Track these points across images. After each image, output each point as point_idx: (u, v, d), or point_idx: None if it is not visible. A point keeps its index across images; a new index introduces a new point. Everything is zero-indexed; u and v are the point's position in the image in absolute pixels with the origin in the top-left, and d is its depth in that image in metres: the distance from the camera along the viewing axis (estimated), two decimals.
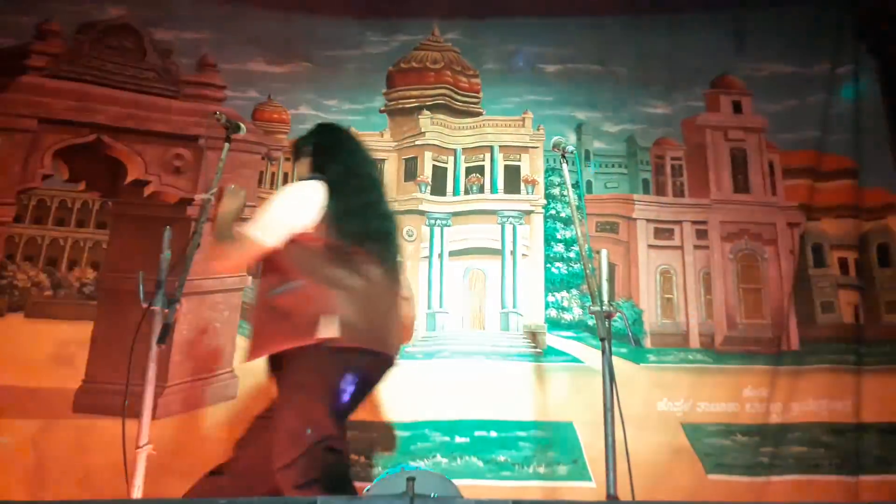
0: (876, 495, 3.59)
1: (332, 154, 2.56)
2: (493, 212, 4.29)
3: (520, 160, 4.38)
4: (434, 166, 4.32)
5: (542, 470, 3.70)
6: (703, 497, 3.65)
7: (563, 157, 2.47)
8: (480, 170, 4.31)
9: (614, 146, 4.42)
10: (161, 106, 4.19)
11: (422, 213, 4.25)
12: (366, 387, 2.38)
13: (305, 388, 2.20)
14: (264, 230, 2.30)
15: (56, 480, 3.41)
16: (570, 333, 4.05)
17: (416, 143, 4.37)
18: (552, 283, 4.14)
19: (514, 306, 4.08)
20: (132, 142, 4.10)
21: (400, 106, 4.46)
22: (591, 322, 3.88)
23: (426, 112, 4.41)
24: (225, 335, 3.94)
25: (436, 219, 4.21)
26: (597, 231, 4.29)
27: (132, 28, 4.27)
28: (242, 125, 2.55)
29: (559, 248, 4.23)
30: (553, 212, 4.30)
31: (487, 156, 4.37)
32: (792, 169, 4.32)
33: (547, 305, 4.09)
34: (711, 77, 4.47)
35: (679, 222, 4.34)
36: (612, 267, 4.20)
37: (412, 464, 2.60)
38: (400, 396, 3.82)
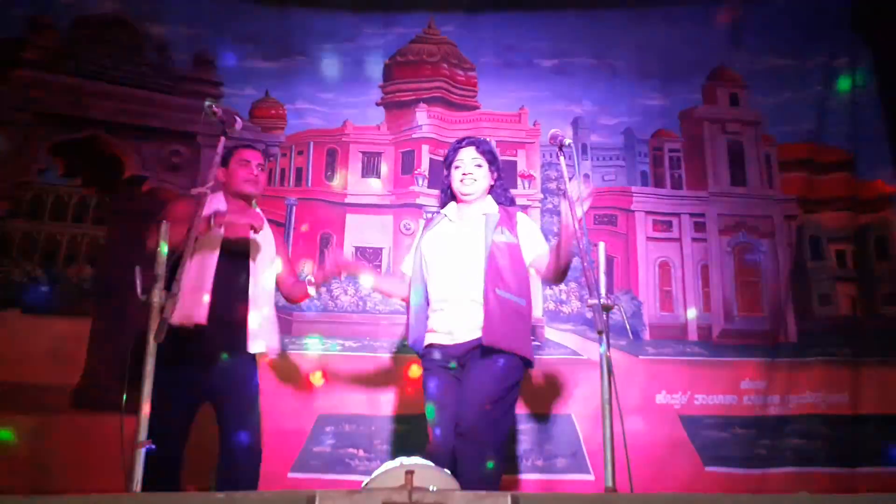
0: (873, 487, 3.61)
1: None
2: None
3: (516, 155, 4.37)
4: (431, 159, 4.31)
5: (540, 463, 3.71)
6: (701, 489, 3.66)
7: (560, 149, 2.46)
8: None
9: (611, 139, 4.41)
10: (157, 101, 4.18)
11: (419, 206, 4.25)
12: None
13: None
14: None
15: (55, 476, 3.41)
16: (568, 326, 4.06)
17: (413, 136, 4.36)
18: None
19: None
20: (129, 138, 4.09)
21: (397, 99, 4.45)
22: (589, 315, 3.87)
23: (423, 105, 4.40)
24: None
25: (433, 212, 4.20)
26: (595, 224, 4.28)
27: (128, 23, 4.25)
28: (238, 118, 2.55)
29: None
30: (550, 206, 4.30)
31: None
32: (789, 161, 4.32)
33: (545, 298, 4.09)
34: (708, 70, 4.47)
35: (677, 214, 4.34)
36: (610, 259, 4.19)
37: (411, 457, 2.59)
38: (400, 389, 3.83)
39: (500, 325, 2.62)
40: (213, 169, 2.47)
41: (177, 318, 2.53)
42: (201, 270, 2.70)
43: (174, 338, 2.53)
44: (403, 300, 2.97)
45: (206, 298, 2.68)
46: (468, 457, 2.49)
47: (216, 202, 2.82)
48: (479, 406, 2.54)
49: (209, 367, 2.73)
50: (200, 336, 2.66)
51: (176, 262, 2.18)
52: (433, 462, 2.50)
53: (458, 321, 2.70)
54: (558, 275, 2.72)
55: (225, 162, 2.92)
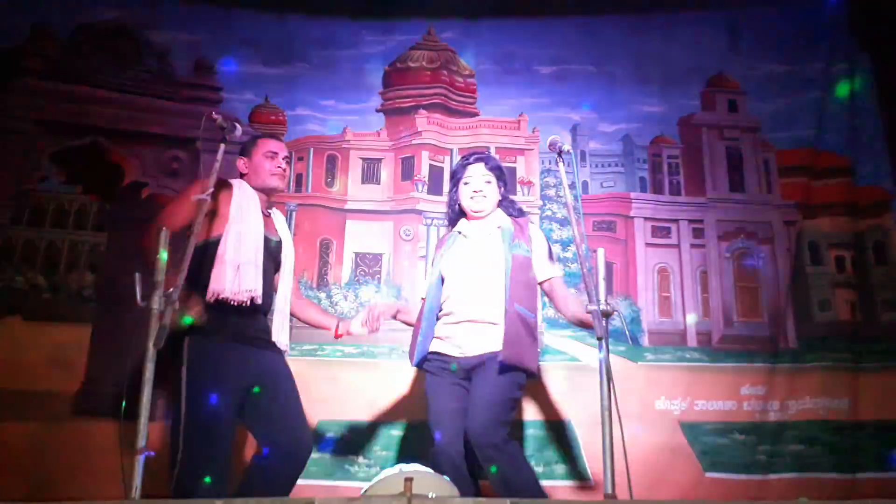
0: (873, 493, 3.60)
1: None
2: None
3: (515, 162, 4.38)
4: (431, 165, 4.33)
5: (540, 469, 3.70)
6: (701, 495, 3.65)
7: (559, 155, 2.47)
8: None
9: (610, 145, 4.42)
10: (157, 108, 4.20)
11: (419, 212, 4.26)
12: None
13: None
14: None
15: (55, 483, 3.41)
16: (567, 332, 4.05)
17: (413, 142, 4.37)
18: None
19: None
20: (129, 144, 4.11)
21: (396, 105, 4.47)
22: None
23: (422, 112, 4.41)
24: None
25: (433, 218, 4.21)
26: (594, 230, 4.29)
27: (128, 30, 4.27)
28: (238, 125, 2.55)
29: (556, 248, 4.24)
30: (549, 213, 4.31)
31: None
32: (787, 167, 4.32)
33: (544, 305, 4.08)
34: (706, 76, 4.48)
35: (676, 220, 4.34)
36: (609, 265, 4.20)
37: (410, 463, 2.60)
38: (399, 396, 3.83)
39: (517, 342, 2.63)
40: (213, 176, 2.47)
41: (232, 292, 2.52)
42: (253, 246, 2.63)
43: (226, 313, 2.53)
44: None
45: (260, 273, 2.61)
46: (495, 461, 2.53)
47: (243, 190, 2.74)
48: (490, 414, 2.56)
49: (261, 350, 2.66)
50: (254, 312, 2.62)
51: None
52: (437, 466, 2.51)
53: (471, 339, 2.70)
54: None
55: (246, 152, 2.82)
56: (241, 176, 2.83)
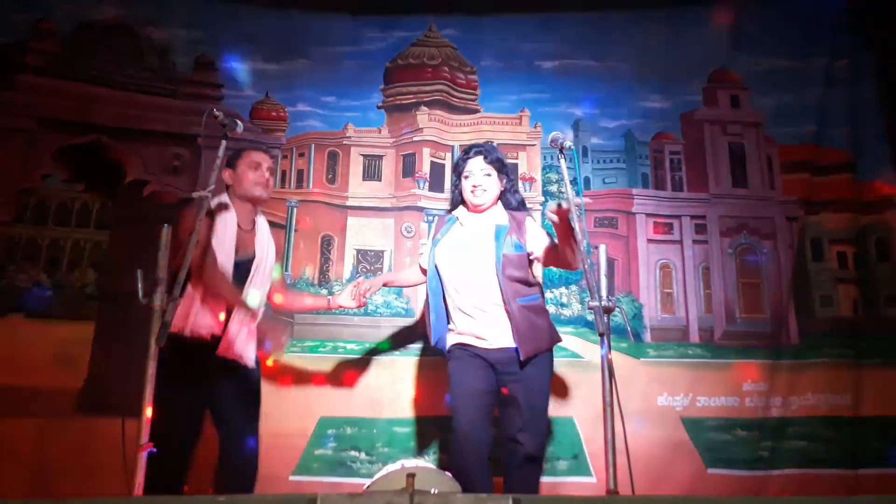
0: (875, 489, 3.60)
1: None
2: None
3: (517, 158, 4.38)
4: (432, 162, 4.32)
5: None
6: (703, 491, 3.66)
7: (561, 151, 2.47)
8: None
9: (612, 141, 4.41)
10: (159, 105, 4.20)
11: (420, 209, 4.25)
12: None
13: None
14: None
15: (58, 479, 3.42)
16: (569, 329, 4.05)
17: (414, 139, 4.37)
18: (551, 280, 4.14)
19: None
20: (131, 142, 4.11)
21: (397, 102, 4.46)
22: (590, 317, 3.88)
23: (424, 108, 4.41)
24: None
25: (434, 215, 4.21)
26: (595, 226, 4.29)
27: (129, 27, 4.26)
28: (239, 122, 2.55)
29: None
30: None
31: None
32: (790, 163, 4.32)
33: (546, 302, 4.08)
34: (709, 72, 4.47)
35: (678, 217, 4.34)
36: (611, 262, 4.20)
37: (412, 459, 2.61)
38: (401, 392, 3.83)
39: (529, 333, 2.70)
40: (214, 172, 2.47)
41: (194, 329, 2.58)
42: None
43: (187, 348, 2.56)
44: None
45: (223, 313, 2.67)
46: (534, 474, 2.73)
47: (217, 223, 2.79)
48: (540, 428, 2.73)
49: (217, 375, 2.71)
50: (213, 346, 2.66)
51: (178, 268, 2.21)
52: (461, 453, 2.54)
53: (485, 328, 2.75)
54: (565, 260, 2.68)
55: (231, 163, 2.88)
56: (227, 188, 2.86)
